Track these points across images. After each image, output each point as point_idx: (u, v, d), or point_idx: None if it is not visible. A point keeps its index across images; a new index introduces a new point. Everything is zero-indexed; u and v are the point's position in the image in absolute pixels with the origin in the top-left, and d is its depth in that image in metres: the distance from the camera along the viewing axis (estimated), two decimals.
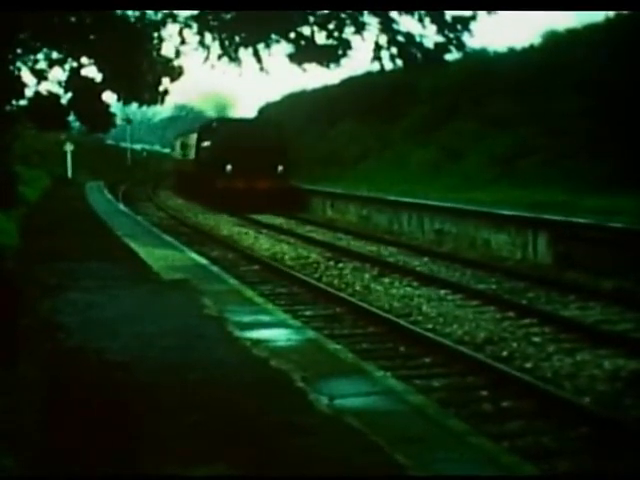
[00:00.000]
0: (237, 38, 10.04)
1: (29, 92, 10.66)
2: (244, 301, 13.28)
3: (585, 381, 10.55)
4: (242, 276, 18.26)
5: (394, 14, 9.46)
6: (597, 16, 31.82)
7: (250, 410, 7.51)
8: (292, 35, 9.83)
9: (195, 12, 10.02)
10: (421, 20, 9.37)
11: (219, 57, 10.18)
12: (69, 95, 10.80)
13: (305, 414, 7.36)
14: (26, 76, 10.78)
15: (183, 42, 10.25)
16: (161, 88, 10.77)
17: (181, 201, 48.60)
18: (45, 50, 10.73)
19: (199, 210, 40.74)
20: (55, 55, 10.72)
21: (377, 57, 9.71)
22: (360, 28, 9.65)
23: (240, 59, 10.24)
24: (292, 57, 10.00)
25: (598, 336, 12.56)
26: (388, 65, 9.88)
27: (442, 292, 16.67)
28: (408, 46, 9.56)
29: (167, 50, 10.60)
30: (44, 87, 10.73)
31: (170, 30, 10.47)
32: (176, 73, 10.67)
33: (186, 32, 10.21)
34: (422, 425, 7.26)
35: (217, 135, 42.37)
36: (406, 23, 9.52)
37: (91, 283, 14.40)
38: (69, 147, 56.22)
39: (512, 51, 39.40)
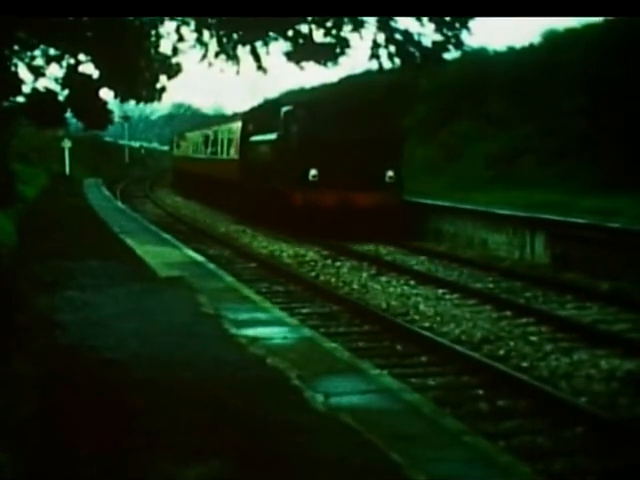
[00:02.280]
0: (235, 36, 10.03)
1: (26, 89, 10.64)
2: (241, 299, 13.28)
3: (581, 381, 10.55)
4: (239, 274, 18.22)
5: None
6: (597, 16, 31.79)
7: (245, 408, 7.51)
8: (290, 33, 9.82)
9: None
10: (419, 19, 9.36)
11: (216, 55, 10.16)
12: (66, 92, 10.77)
13: (301, 412, 7.36)
14: (23, 73, 10.76)
15: (181, 39, 10.24)
16: (158, 85, 10.75)
17: (179, 199, 48.50)
18: (42, 47, 10.71)
19: (197, 208, 40.62)
20: (52, 52, 10.70)
21: (375, 55, 9.70)
22: (358, 26, 9.64)
23: (238, 57, 10.22)
24: (290, 55, 9.99)
25: (595, 336, 12.57)
26: (386, 64, 9.87)
27: (440, 291, 16.66)
28: (406, 44, 9.55)
29: (165, 47, 10.58)
30: (41, 84, 10.71)
31: (168, 27, 10.46)
32: (174, 70, 10.67)
33: (184, 29, 10.19)
34: (417, 424, 7.26)
35: (292, 122, 27.05)
36: (404, 21, 9.52)
37: (88, 281, 14.39)
38: (67, 144, 56.15)
39: (511, 50, 39.35)
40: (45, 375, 8.46)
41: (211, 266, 17.10)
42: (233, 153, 35.22)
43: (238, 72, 10.54)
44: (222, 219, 34.00)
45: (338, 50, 9.92)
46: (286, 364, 8.93)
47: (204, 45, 10.25)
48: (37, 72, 10.63)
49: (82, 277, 14.77)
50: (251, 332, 10.58)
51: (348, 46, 9.86)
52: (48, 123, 12.05)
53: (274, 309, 12.70)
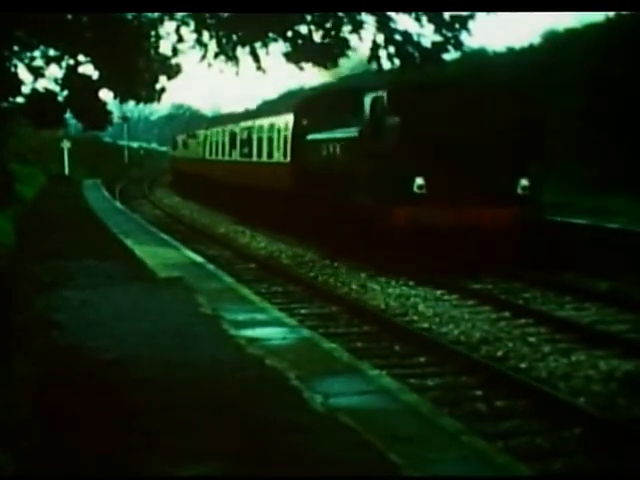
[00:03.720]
0: (234, 36, 10.05)
1: (26, 89, 10.65)
2: (239, 299, 13.29)
3: (580, 382, 10.56)
4: (238, 274, 18.22)
5: (391, 12, 9.47)
6: (597, 16, 31.84)
7: (244, 408, 7.52)
8: (289, 34, 9.83)
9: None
10: (418, 19, 9.37)
11: (216, 55, 10.17)
12: (66, 93, 10.78)
13: (300, 412, 7.37)
14: (22, 73, 10.77)
15: (180, 40, 10.25)
16: (158, 86, 10.76)
17: (177, 199, 48.48)
18: (42, 47, 10.73)
19: (195, 208, 40.58)
20: (52, 53, 10.71)
21: (375, 56, 9.71)
22: (357, 27, 9.65)
23: (237, 58, 10.23)
24: (289, 56, 10.00)
25: (593, 337, 12.57)
26: (386, 64, 9.88)
27: (438, 292, 16.65)
28: (406, 45, 9.56)
29: (164, 48, 10.60)
30: (41, 84, 10.72)
31: (167, 28, 10.47)
32: (173, 71, 10.67)
33: (183, 30, 10.20)
34: (416, 424, 7.27)
35: (386, 113, 19.76)
36: (403, 22, 9.54)
37: (86, 281, 14.42)
38: (66, 144, 56.14)
39: (511, 51, 39.36)
40: (43, 375, 8.47)
41: (210, 267, 17.14)
42: (279, 155, 28.15)
43: (237, 73, 10.55)
44: (221, 219, 33.96)
45: (337, 51, 9.93)
46: (285, 364, 8.95)
47: (203, 46, 10.26)
48: (37, 73, 10.63)
49: (81, 277, 14.79)
50: (250, 333, 10.60)
51: (348, 47, 9.88)
52: (47, 124, 12.06)
53: (273, 309, 12.72)
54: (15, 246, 19.84)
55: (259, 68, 10.35)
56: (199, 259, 18.34)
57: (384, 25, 9.57)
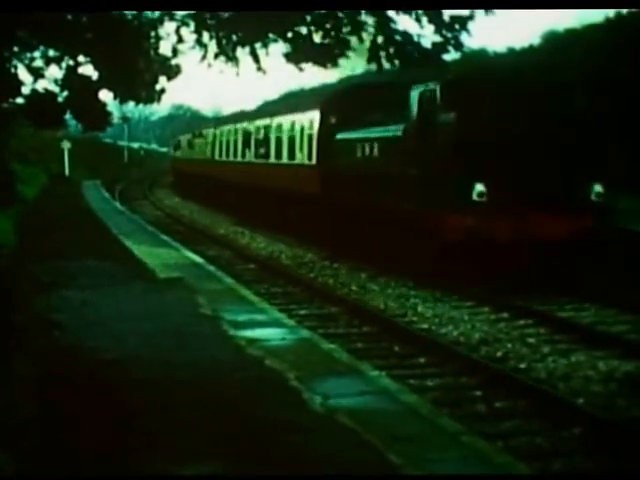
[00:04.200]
0: (234, 37, 10.05)
1: (26, 90, 10.65)
2: (239, 300, 13.31)
3: (579, 382, 10.56)
4: (238, 275, 18.23)
5: (391, 13, 9.47)
6: (597, 16, 31.85)
7: (244, 408, 7.53)
8: (289, 35, 9.84)
9: (192, 10, 10.03)
10: (418, 20, 9.38)
11: (216, 56, 10.17)
12: (65, 93, 10.79)
13: (300, 413, 7.39)
14: (22, 74, 10.78)
15: (180, 40, 10.24)
16: (158, 87, 10.75)
17: (177, 199, 48.47)
18: (42, 48, 10.73)
19: (195, 209, 40.57)
20: (52, 53, 10.71)
21: (374, 57, 9.71)
22: (357, 27, 9.66)
23: (237, 58, 10.23)
24: (289, 56, 10.00)
25: (593, 337, 12.58)
26: (386, 65, 9.88)
27: (438, 293, 16.63)
28: (405, 46, 9.57)
29: (164, 49, 10.59)
30: (41, 85, 10.72)
31: (167, 28, 10.46)
32: (173, 72, 10.65)
33: (183, 30, 10.20)
34: (416, 425, 7.29)
35: (439, 109, 17.44)
36: (403, 22, 9.54)
37: (86, 281, 14.45)
38: (66, 145, 56.14)
39: (511, 51, 39.36)
40: (44, 375, 8.48)
41: (210, 267, 17.17)
42: (302, 156, 25.69)
43: (238, 73, 10.55)
44: (220, 220, 33.96)
45: (337, 51, 9.93)
46: (285, 365, 8.96)
47: (203, 46, 10.25)
48: (36, 73, 10.63)
49: (81, 277, 14.82)
50: (249, 333, 10.63)
51: (348, 47, 9.88)
52: (47, 124, 12.05)
53: (272, 310, 12.74)
54: (16, 246, 19.85)
55: (259, 69, 10.34)
56: (199, 260, 18.38)
57: (384, 26, 9.57)
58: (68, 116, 11.26)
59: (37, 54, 10.73)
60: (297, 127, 26.38)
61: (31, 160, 50.74)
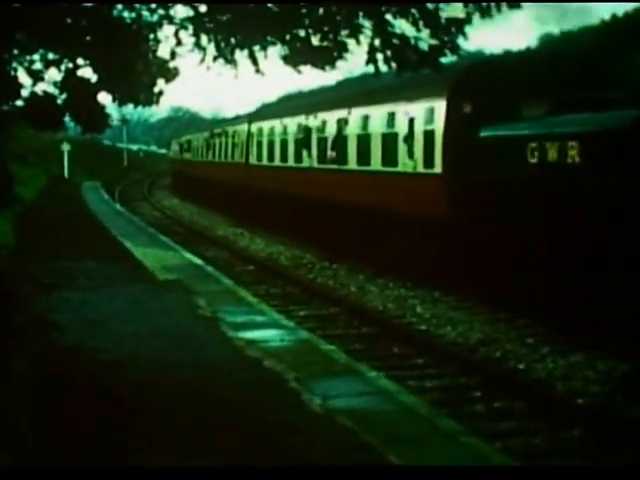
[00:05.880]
0: (233, 40, 10.11)
1: (25, 92, 10.71)
2: (238, 301, 13.36)
3: (578, 383, 10.58)
4: (237, 276, 18.27)
5: (388, 16, 9.54)
6: (591, 18, 31.94)
7: (243, 409, 7.58)
8: (287, 37, 9.90)
9: (191, 13, 10.09)
10: (415, 23, 9.44)
11: (214, 59, 10.23)
12: (64, 96, 10.85)
13: (299, 414, 7.43)
14: (22, 77, 10.84)
15: (179, 43, 10.30)
16: (156, 89, 10.80)
17: (176, 200, 48.44)
18: (41, 51, 10.79)
19: (194, 210, 40.48)
20: (51, 56, 10.78)
21: (372, 59, 9.77)
22: (355, 30, 9.72)
23: (236, 61, 10.29)
24: (287, 59, 10.06)
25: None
26: (383, 68, 9.94)
27: (436, 293, 16.66)
28: (403, 49, 9.63)
29: (163, 51, 10.65)
30: (40, 88, 10.78)
31: (166, 31, 10.52)
32: (171, 74, 10.71)
33: (182, 33, 10.25)
34: (415, 425, 7.34)
35: None
36: (400, 25, 9.59)
37: (86, 282, 14.51)
38: (66, 147, 56.18)
39: (508, 54, 39.47)
40: (43, 376, 8.52)
41: (209, 269, 17.21)
42: (413, 162, 18.48)
43: (236, 76, 10.60)
44: (220, 221, 33.93)
45: (335, 54, 9.99)
46: (283, 366, 9.00)
47: (202, 49, 10.30)
48: (36, 76, 10.69)
49: (81, 279, 14.87)
50: (249, 335, 10.67)
51: (346, 50, 9.94)
52: (47, 126, 12.12)
53: (271, 311, 12.79)
54: (15, 247, 19.90)
55: (257, 71, 10.40)
56: (198, 261, 18.42)
57: (381, 28, 9.63)
58: (67, 118, 11.32)
59: (36, 57, 10.79)
60: (401, 121, 19.19)
61: (30, 162, 50.74)
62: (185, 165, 49.08)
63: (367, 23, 9.57)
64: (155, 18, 10.38)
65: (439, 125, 17.31)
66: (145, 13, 10.38)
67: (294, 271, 20.11)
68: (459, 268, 16.03)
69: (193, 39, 10.20)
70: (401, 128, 19.10)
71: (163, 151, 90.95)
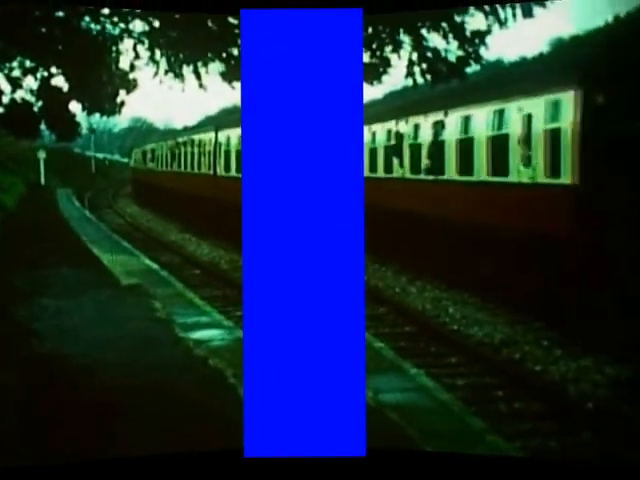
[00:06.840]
0: (181, 55, 10.62)
1: (5, 99, 11.06)
2: (187, 304, 14.37)
3: (588, 386, 10.72)
4: (186, 280, 18.69)
5: (424, 31, 10.04)
6: (597, 20, 32.07)
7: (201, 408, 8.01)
8: (224, 55, 10.44)
9: (147, 28, 10.58)
10: (445, 36, 9.95)
11: (166, 72, 10.73)
12: (40, 103, 11.20)
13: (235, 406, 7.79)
14: (2, 84, 11.14)
15: (137, 57, 10.76)
16: (119, 99, 11.21)
17: (136, 208, 48.54)
18: (19, 58, 11.10)
19: (150, 217, 40.51)
20: (28, 64, 11.12)
21: (410, 73, 10.28)
22: (397, 46, 10.21)
23: (183, 75, 10.80)
24: (224, 76, 10.58)
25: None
26: (420, 80, 10.43)
27: (465, 295, 16.61)
28: (435, 61, 10.13)
29: (124, 63, 11.09)
30: (19, 95, 11.12)
31: (126, 44, 10.96)
32: (131, 86, 11.12)
33: (139, 47, 10.72)
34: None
35: None
36: (432, 39, 10.11)
37: (61, 290, 15.12)
38: (42, 155, 56.29)
39: (524, 60, 39.72)
40: (25, 384, 8.84)
41: (163, 273, 18.28)
42: (536, 171, 14.80)
43: (183, 90, 11.09)
44: (172, 227, 34.28)
45: (381, 69, 10.48)
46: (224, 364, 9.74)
47: (156, 63, 10.77)
48: (14, 83, 11.01)
49: (56, 286, 15.46)
50: (197, 335, 11.63)
51: (389, 65, 10.43)
52: (24, 134, 12.44)
53: (214, 312, 13.74)
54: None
55: (200, 86, 10.88)
56: (155, 266, 19.59)
57: (419, 43, 10.13)
58: (43, 126, 11.65)
59: (15, 64, 11.12)
60: (514, 119, 15.54)
61: (10, 168, 51.01)
62: (146, 174, 48.43)
63: (407, 39, 10.10)
64: (117, 31, 10.81)
65: (566, 123, 13.77)
66: (108, 26, 10.82)
67: (231, 274, 20.29)
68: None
69: (148, 53, 10.68)
70: (513, 129, 15.57)
71: (125, 160, 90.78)
